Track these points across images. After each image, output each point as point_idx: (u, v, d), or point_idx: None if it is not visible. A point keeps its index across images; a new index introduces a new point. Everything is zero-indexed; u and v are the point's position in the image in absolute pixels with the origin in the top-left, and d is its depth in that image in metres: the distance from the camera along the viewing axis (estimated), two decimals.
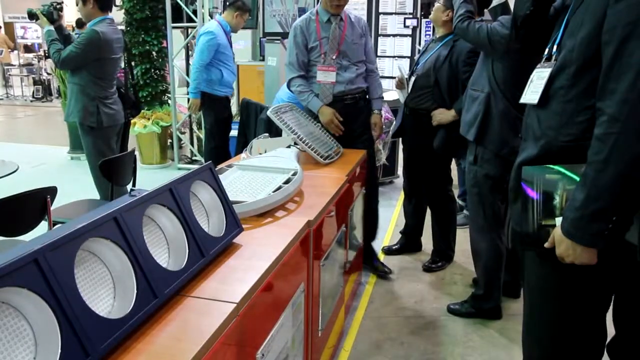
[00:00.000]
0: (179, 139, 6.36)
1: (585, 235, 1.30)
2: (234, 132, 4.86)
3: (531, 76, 1.55)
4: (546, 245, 1.41)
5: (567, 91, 1.41)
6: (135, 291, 1.18)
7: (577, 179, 1.35)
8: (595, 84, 1.32)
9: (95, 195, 3.72)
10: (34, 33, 15.47)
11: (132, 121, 6.10)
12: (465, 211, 4.64)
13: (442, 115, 3.27)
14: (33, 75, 14.07)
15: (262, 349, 1.49)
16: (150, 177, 5.52)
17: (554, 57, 1.47)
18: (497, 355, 2.67)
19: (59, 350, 0.96)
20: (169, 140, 6.53)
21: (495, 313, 2.96)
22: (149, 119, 6.11)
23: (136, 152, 3.52)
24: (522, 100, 1.56)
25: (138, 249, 1.23)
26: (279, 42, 5.89)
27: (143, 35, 6.17)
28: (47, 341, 0.98)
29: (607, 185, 1.25)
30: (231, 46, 5.05)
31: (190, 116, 6.38)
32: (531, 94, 1.50)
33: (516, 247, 1.67)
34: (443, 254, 3.74)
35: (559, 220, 1.37)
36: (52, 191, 2.59)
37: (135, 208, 1.29)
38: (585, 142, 1.33)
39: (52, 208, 2.64)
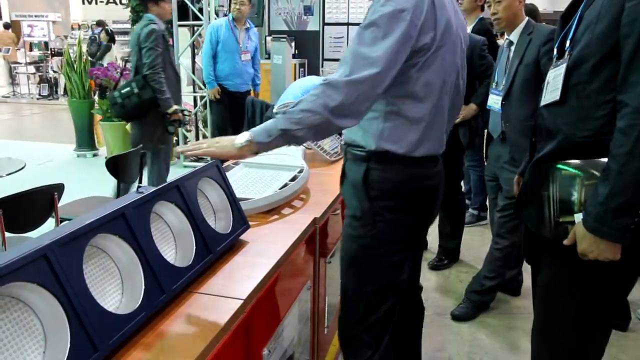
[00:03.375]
0: (185, 137, 6.37)
1: (611, 231, 1.28)
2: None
3: (546, 78, 1.54)
4: (566, 242, 1.39)
5: (585, 87, 1.38)
6: (143, 287, 1.19)
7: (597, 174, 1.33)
8: (613, 79, 1.31)
9: (99, 192, 3.73)
10: (40, 31, 15.52)
11: None
12: (471, 209, 4.63)
13: (464, 112, 3.31)
14: (40, 73, 14.13)
15: (269, 345, 1.49)
16: None
17: (567, 53, 1.46)
18: (503, 354, 2.67)
19: (68, 345, 0.97)
20: (175, 138, 6.54)
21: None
22: None
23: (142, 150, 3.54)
24: (542, 103, 1.54)
25: (146, 245, 1.23)
26: (284, 40, 5.90)
27: None
28: (56, 336, 0.99)
29: (632, 178, 1.23)
30: (236, 39, 5.18)
31: (196, 114, 6.40)
32: (550, 93, 1.49)
33: (528, 248, 1.65)
34: (450, 253, 3.73)
35: (578, 217, 1.36)
36: (59, 188, 2.61)
37: (143, 205, 1.29)
38: (605, 137, 1.31)
39: (58, 205, 2.65)
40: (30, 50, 15.13)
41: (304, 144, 2.53)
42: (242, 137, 1.51)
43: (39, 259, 0.98)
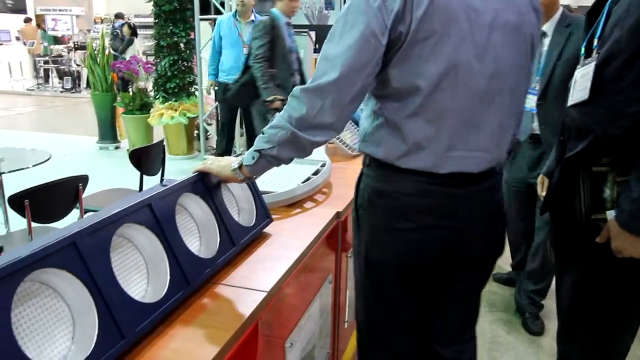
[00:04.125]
0: (206, 130, 6.41)
1: None
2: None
3: (574, 77, 1.52)
4: (598, 239, 1.37)
5: (616, 84, 1.36)
6: (169, 277, 1.20)
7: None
8: None
9: (121, 184, 3.77)
10: (64, 25, 15.72)
11: (159, 112, 6.20)
12: None
13: None
14: (63, 67, 14.31)
15: (291, 338, 1.50)
16: (177, 168, 5.59)
17: (595, 51, 1.44)
18: (524, 351, 2.64)
19: (96, 332, 0.98)
20: (196, 132, 6.59)
21: None
22: (176, 110, 6.17)
23: (164, 143, 3.56)
24: (570, 102, 1.52)
25: (171, 235, 1.24)
26: (305, 34, 5.89)
27: (171, 27, 6.23)
28: (84, 322, 1.00)
29: None
30: (238, 32, 5.17)
31: (216, 108, 6.44)
32: (579, 92, 1.46)
33: (557, 248, 1.63)
34: None
35: (610, 214, 1.34)
36: (83, 179, 2.64)
37: (169, 195, 1.30)
38: (638, 133, 1.29)
39: (82, 196, 2.68)
40: (55, 44, 15.33)
41: None
42: (237, 161, 1.41)
43: (68, 246, 0.99)
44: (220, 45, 5.26)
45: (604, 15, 1.44)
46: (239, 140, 6.00)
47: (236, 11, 5.19)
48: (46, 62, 14.43)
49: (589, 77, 1.43)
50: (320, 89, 1.25)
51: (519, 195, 2.89)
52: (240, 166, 1.39)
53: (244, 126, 5.54)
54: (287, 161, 1.37)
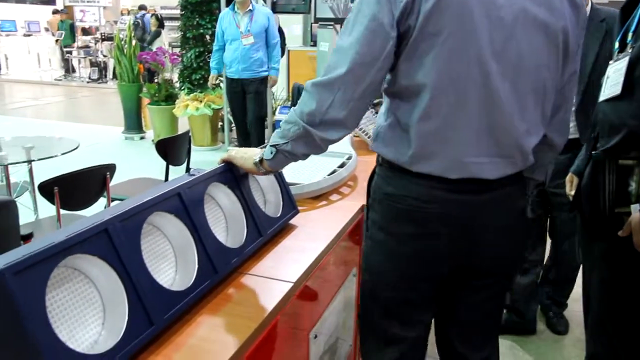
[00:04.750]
0: (230, 122, 6.44)
1: None
2: (283, 117, 4.92)
3: (606, 73, 1.49)
4: (620, 233, 1.35)
5: None
6: (197, 265, 1.21)
7: None
8: None
9: (145, 174, 3.80)
10: (92, 16, 15.91)
11: (184, 103, 6.25)
12: None
13: None
14: (90, 57, 14.51)
15: (315, 329, 1.50)
16: (201, 159, 5.62)
17: (629, 46, 1.41)
18: (545, 352, 2.61)
19: (126, 318, 1.00)
20: (220, 123, 6.63)
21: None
22: (201, 101, 6.22)
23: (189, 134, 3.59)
24: (602, 98, 1.49)
25: (200, 225, 1.25)
26: (331, 27, 5.87)
27: (197, 19, 6.27)
28: (114, 308, 1.01)
29: None
30: (236, 24, 5.13)
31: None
32: (611, 87, 1.44)
33: (584, 246, 1.61)
34: None
35: (634, 208, 1.32)
36: (111, 168, 2.67)
37: (198, 185, 1.31)
38: None
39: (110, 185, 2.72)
40: (82, 35, 15.53)
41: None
42: (259, 154, 1.39)
43: (100, 233, 1.00)
44: (222, 40, 5.25)
45: (639, 10, 1.41)
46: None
47: (234, 3, 5.16)
48: (68, 53, 14.61)
49: (622, 72, 1.40)
50: (330, 83, 1.21)
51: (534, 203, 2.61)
52: (262, 160, 1.38)
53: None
54: (303, 157, 1.34)
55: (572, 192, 1.86)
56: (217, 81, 5.74)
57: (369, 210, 1.38)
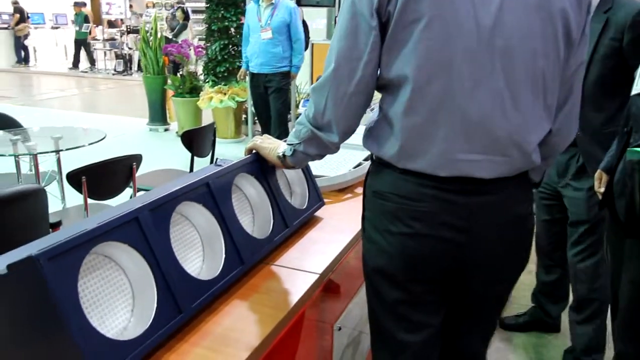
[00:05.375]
0: (253, 115, 6.46)
1: None
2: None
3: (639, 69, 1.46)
4: None
5: None
6: (224, 255, 1.22)
7: None
8: None
9: (169, 165, 3.84)
10: (117, 9, 16.07)
11: (208, 96, 6.28)
12: None
13: None
14: (115, 50, 14.67)
15: (339, 322, 1.50)
16: (224, 151, 5.66)
17: None
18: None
19: (155, 305, 1.01)
20: (244, 116, 6.66)
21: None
22: (225, 93, 6.24)
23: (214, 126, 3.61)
24: (635, 91, 1.46)
25: (227, 215, 1.26)
26: None
27: (222, 12, 6.28)
28: (143, 296, 1.02)
29: None
30: (258, 17, 5.06)
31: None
32: None
33: (612, 244, 1.58)
34: None
35: None
36: (137, 159, 2.70)
37: (226, 175, 1.32)
38: None
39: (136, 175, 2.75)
40: (108, 27, 15.70)
41: None
42: (282, 148, 1.38)
43: (131, 221, 1.01)
44: (248, 33, 5.19)
45: None
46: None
47: None
48: (79, 46, 14.70)
49: None
50: (321, 86, 1.20)
51: (547, 206, 2.41)
52: (284, 155, 1.37)
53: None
54: (317, 157, 1.32)
55: (601, 190, 1.82)
56: (245, 76, 5.65)
57: (364, 209, 1.31)
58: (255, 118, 6.55)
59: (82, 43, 14.77)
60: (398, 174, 1.18)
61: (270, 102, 5.24)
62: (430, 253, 1.18)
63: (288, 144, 1.33)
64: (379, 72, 1.17)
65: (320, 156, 1.32)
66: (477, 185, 1.14)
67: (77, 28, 14.61)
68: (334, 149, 1.28)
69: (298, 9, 5.22)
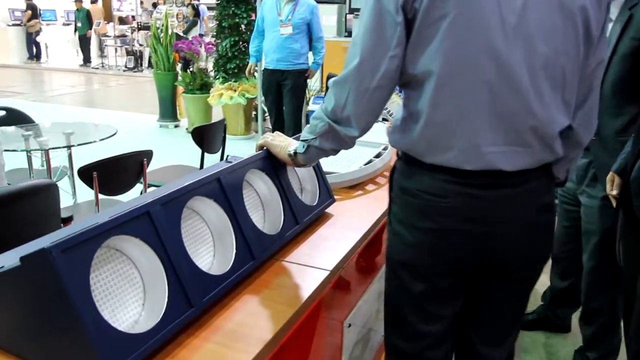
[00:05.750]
0: (264, 111, 6.46)
1: None
2: (317, 107, 4.87)
3: None
4: None
5: None
6: (235, 251, 1.21)
7: None
8: None
9: (179, 161, 3.85)
10: (129, 6, 16.13)
11: (219, 92, 6.29)
12: None
13: None
14: (126, 46, 14.73)
15: (349, 318, 1.50)
16: (234, 147, 5.67)
17: None
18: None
19: (166, 299, 1.01)
20: (254, 112, 6.66)
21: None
22: (235, 90, 6.25)
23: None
24: None
25: (238, 210, 1.26)
26: None
27: (233, 8, 6.29)
28: (154, 290, 1.02)
29: None
30: (277, 11, 4.96)
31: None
32: None
33: (628, 246, 1.56)
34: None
35: None
36: (148, 155, 2.71)
37: (237, 171, 1.32)
38: None
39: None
40: (119, 24, 15.76)
41: (387, 122, 2.51)
42: (293, 146, 1.39)
43: (142, 215, 1.01)
44: (262, 27, 5.05)
45: None
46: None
47: None
48: (84, 43, 14.70)
49: None
50: (344, 80, 1.20)
51: (568, 211, 2.34)
52: (296, 153, 1.38)
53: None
54: (333, 152, 1.33)
55: (614, 192, 1.80)
56: (254, 71, 5.57)
57: (391, 204, 1.34)
58: (266, 114, 6.56)
59: (81, 39, 14.77)
60: (425, 171, 1.21)
61: (286, 100, 5.15)
62: (456, 247, 1.23)
63: (301, 141, 1.34)
64: (404, 68, 1.18)
65: (335, 151, 1.33)
66: (500, 178, 1.17)
67: (79, 24, 14.59)
68: (350, 143, 1.30)
69: (318, 7, 5.09)
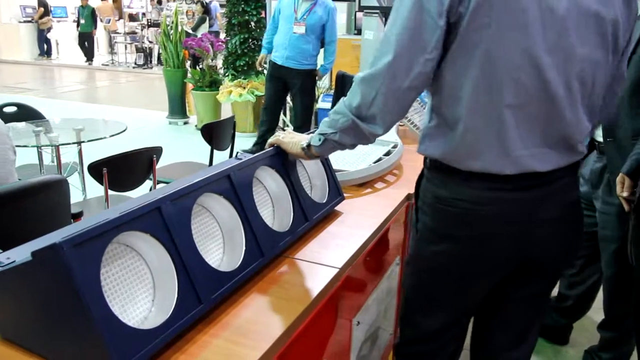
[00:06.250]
0: None
1: None
2: (326, 105, 4.85)
3: None
4: None
5: None
6: (244, 247, 1.21)
7: None
8: None
9: (188, 158, 3.85)
10: (139, 3, 16.17)
11: (228, 89, 6.30)
12: None
13: None
14: (136, 43, 14.78)
15: (358, 316, 1.50)
16: (243, 145, 5.67)
17: None
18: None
19: (175, 295, 1.01)
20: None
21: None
22: (244, 87, 6.25)
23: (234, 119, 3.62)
24: None
25: (248, 207, 1.26)
26: (377, 15, 5.81)
27: (243, 6, 6.28)
28: (164, 285, 1.03)
29: None
30: (294, 8, 4.86)
31: None
32: None
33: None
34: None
35: None
36: (157, 151, 2.72)
37: (247, 168, 1.31)
38: None
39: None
40: (129, 20, 15.80)
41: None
42: (306, 139, 1.38)
43: (153, 211, 1.01)
44: (278, 19, 4.96)
45: None
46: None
47: None
48: (83, 40, 14.64)
49: None
50: (374, 77, 1.18)
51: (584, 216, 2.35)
52: (309, 145, 1.37)
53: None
54: (351, 147, 1.33)
55: (624, 194, 1.78)
56: (265, 64, 5.45)
57: (419, 212, 1.34)
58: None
59: (85, 37, 14.65)
60: (461, 180, 1.22)
61: (296, 99, 5.11)
62: (495, 252, 1.26)
63: (319, 134, 1.33)
64: (439, 73, 1.17)
65: (353, 146, 1.33)
66: (536, 179, 1.20)
67: (83, 21, 14.40)
68: (372, 140, 1.29)
69: (336, 10, 5.00)
